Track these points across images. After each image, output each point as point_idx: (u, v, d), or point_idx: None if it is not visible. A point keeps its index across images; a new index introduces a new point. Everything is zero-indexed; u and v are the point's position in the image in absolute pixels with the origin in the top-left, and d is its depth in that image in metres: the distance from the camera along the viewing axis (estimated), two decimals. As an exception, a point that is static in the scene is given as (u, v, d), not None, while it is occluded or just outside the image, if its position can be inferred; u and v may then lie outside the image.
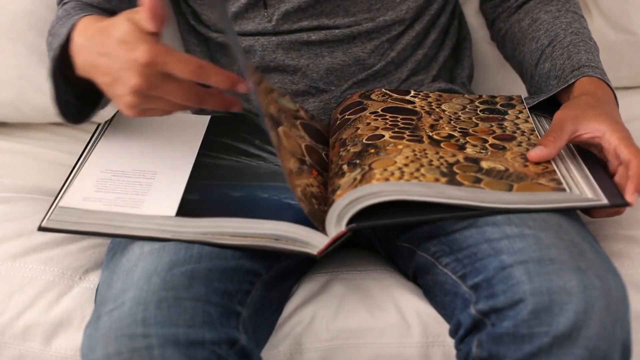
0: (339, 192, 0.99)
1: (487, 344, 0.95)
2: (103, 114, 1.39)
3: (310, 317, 1.08)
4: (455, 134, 1.09)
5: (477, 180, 0.99)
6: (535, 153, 1.03)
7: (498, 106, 1.17)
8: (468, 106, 1.16)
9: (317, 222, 0.97)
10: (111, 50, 0.97)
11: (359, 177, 0.99)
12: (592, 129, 1.04)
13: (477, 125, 1.12)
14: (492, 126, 1.11)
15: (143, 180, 1.06)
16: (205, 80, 0.96)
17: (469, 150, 1.05)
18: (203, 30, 1.28)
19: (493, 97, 1.20)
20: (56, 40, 1.08)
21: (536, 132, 1.10)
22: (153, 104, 0.98)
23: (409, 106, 1.16)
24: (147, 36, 0.96)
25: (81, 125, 1.44)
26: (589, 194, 0.99)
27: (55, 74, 1.08)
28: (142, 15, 0.96)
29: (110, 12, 1.22)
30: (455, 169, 1.01)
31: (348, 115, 1.16)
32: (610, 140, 1.03)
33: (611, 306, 0.92)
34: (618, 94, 1.15)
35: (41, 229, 0.99)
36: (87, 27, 1.03)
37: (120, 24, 0.97)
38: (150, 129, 1.17)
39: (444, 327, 1.05)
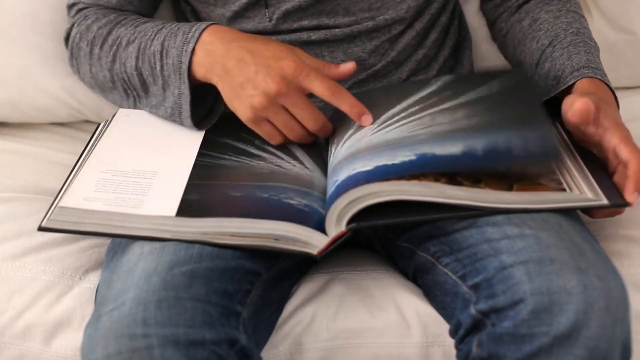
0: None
1: (487, 344, 0.95)
2: (102, 114, 1.40)
3: (310, 317, 1.08)
4: None
5: (477, 180, 0.99)
6: (583, 101, 1.02)
7: None
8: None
9: None
10: (258, 54, 1.05)
11: None
12: (599, 123, 1.04)
13: None
14: None
15: (143, 180, 1.06)
16: (337, 103, 1.03)
17: None
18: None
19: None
20: (151, 45, 1.13)
21: None
22: (275, 115, 1.04)
23: None
24: (299, 52, 1.05)
25: (82, 125, 1.45)
26: (589, 194, 0.99)
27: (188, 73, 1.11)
28: (314, 60, 1.07)
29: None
30: None
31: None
32: (610, 139, 1.03)
33: (611, 306, 0.92)
34: (618, 94, 1.15)
35: (41, 229, 0.99)
36: (224, 32, 1.09)
37: (276, 41, 1.07)
38: (150, 129, 1.17)
39: (444, 327, 1.05)
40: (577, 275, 0.92)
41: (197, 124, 1.15)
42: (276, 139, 1.07)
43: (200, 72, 1.10)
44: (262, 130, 1.07)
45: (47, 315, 1.09)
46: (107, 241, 1.13)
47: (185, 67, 1.10)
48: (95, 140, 1.15)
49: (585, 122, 1.03)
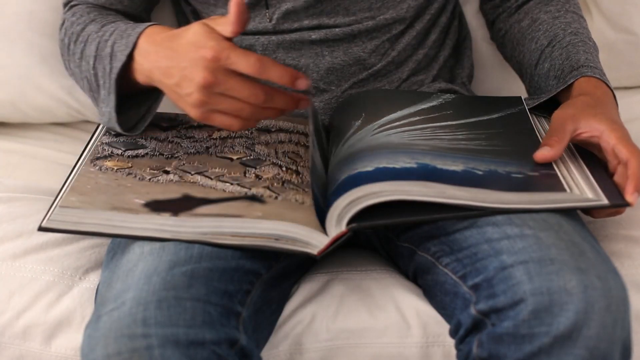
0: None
1: (487, 344, 0.95)
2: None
3: (310, 317, 1.08)
4: None
5: None
6: (542, 154, 1.03)
7: None
8: None
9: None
10: (180, 51, 1.01)
11: None
12: (591, 128, 1.04)
13: None
14: None
15: (143, 180, 1.06)
16: (265, 75, 0.98)
17: None
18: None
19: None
20: (105, 47, 1.11)
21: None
22: (219, 103, 1.00)
23: None
24: (216, 34, 0.99)
25: (82, 125, 1.45)
26: (589, 194, 0.99)
27: (119, 79, 1.09)
28: (219, 20, 1.00)
29: (123, 14, 1.23)
30: None
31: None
32: (608, 140, 1.03)
33: (611, 306, 0.92)
34: (618, 94, 1.15)
35: (41, 229, 0.99)
36: (156, 34, 1.06)
37: (191, 27, 1.01)
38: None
39: (444, 327, 1.05)
40: (577, 276, 0.92)
41: (129, 129, 1.13)
42: (234, 126, 1.03)
43: (141, 79, 1.08)
44: (216, 122, 1.03)
45: (47, 315, 1.09)
46: (107, 241, 1.13)
47: (114, 75, 1.08)
48: (95, 140, 1.15)
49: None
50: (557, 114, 1.06)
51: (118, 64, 1.08)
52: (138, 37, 1.07)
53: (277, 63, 0.99)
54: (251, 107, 1.00)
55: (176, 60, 1.01)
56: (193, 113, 1.02)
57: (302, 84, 1.00)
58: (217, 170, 1.08)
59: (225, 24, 1.00)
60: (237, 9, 0.98)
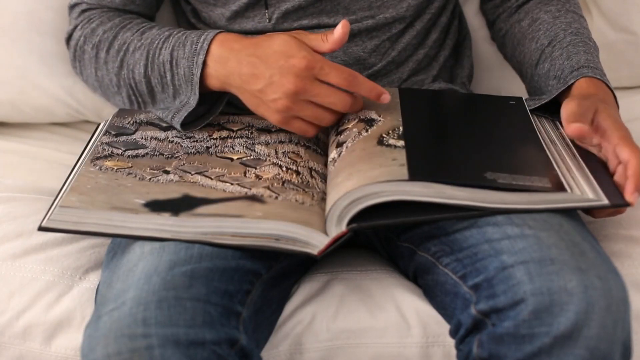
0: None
1: (487, 344, 0.95)
2: (102, 114, 1.40)
3: (310, 317, 1.08)
4: None
5: None
6: (577, 126, 1.02)
7: None
8: None
9: None
10: (266, 59, 1.05)
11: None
12: (598, 124, 1.04)
13: None
14: None
15: (143, 180, 1.06)
16: (355, 89, 1.05)
17: None
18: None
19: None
20: (159, 55, 1.14)
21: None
22: (302, 111, 1.05)
23: None
24: (305, 46, 1.05)
25: (82, 125, 1.45)
26: (589, 194, 0.99)
27: (199, 83, 1.11)
28: (311, 36, 1.06)
29: (136, 14, 1.24)
30: None
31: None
32: (610, 140, 1.03)
33: (612, 306, 0.92)
34: (618, 94, 1.15)
35: (41, 229, 0.99)
36: (232, 41, 1.10)
37: (276, 37, 1.06)
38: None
39: (444, 327, 1.05)
40: (577, 276, 0.93)
41: (182, 125, 1.14)
42: (309, 133, 1.08)
43: (214, 84, 1.10)
44: (294, 128, 1.08)
45: (47, 315, 1.09)
46: (107, 241, 1.13)
47: (197, 79, 1.10)
48: (95, 140, 1.15)
49: (579, 139, 1.05)
50: (578, 102, 1.06)
51: (196, 70, 1.10)
52: (210, 43, 1.09)
53: (365, 78, 1.05)
54: (332, 114, 1.07)
55: (262, 67, 1.05)
56: (274, 118, 1.07)
57: (387, 98, 1.06)
58: (217, 170, 1.08)
59: (320, 40, 1.06)
60: (343, 30, 1.05)
